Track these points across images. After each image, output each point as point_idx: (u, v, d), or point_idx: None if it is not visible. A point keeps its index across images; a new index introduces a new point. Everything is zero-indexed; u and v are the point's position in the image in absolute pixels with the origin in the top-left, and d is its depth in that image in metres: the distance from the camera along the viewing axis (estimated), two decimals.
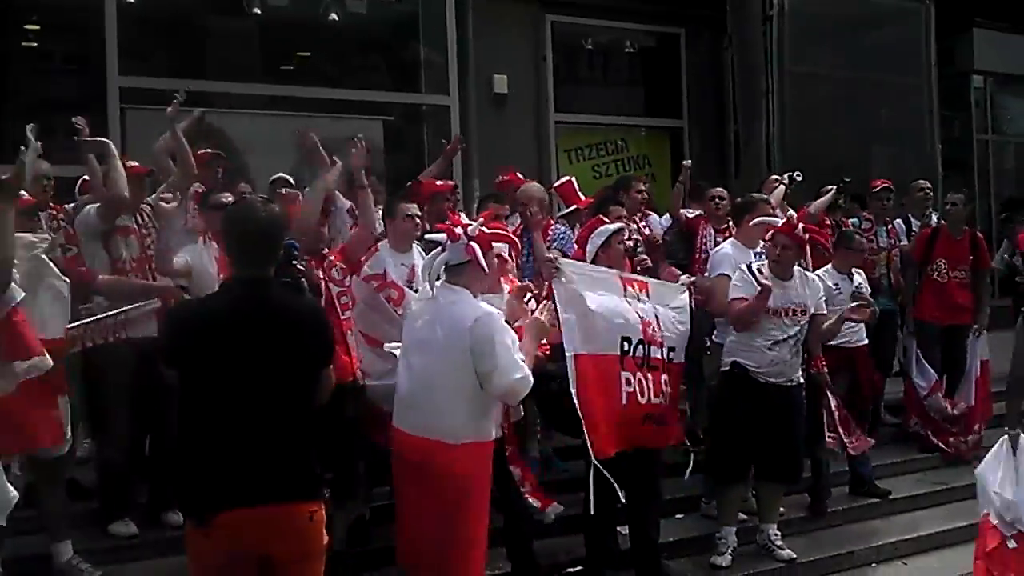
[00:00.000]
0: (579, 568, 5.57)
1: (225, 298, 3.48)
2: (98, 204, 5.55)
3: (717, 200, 7.10)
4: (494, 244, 4.47)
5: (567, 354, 4.97)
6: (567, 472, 6.28)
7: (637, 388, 5.20)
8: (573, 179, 7.02)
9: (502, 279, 4.91)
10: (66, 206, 5.96)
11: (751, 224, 6.23)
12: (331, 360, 3.55)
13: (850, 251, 6.85)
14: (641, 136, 11.48)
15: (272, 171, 7.27)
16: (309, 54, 9.89)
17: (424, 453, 4.18)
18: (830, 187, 7.41)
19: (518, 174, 7.02)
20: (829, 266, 6.75)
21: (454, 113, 9.81)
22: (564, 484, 5.96)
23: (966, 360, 7.92)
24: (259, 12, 9.17)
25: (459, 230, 4.30)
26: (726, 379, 5.86)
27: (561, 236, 6.42)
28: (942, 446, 7.81)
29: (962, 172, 13.03)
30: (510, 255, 5.31)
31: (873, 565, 6.26)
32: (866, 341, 6.87)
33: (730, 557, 5.91)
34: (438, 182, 6.64)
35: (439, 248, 4.36)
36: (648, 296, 5.46)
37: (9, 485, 3.99)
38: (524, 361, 4.16)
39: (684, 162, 7.66)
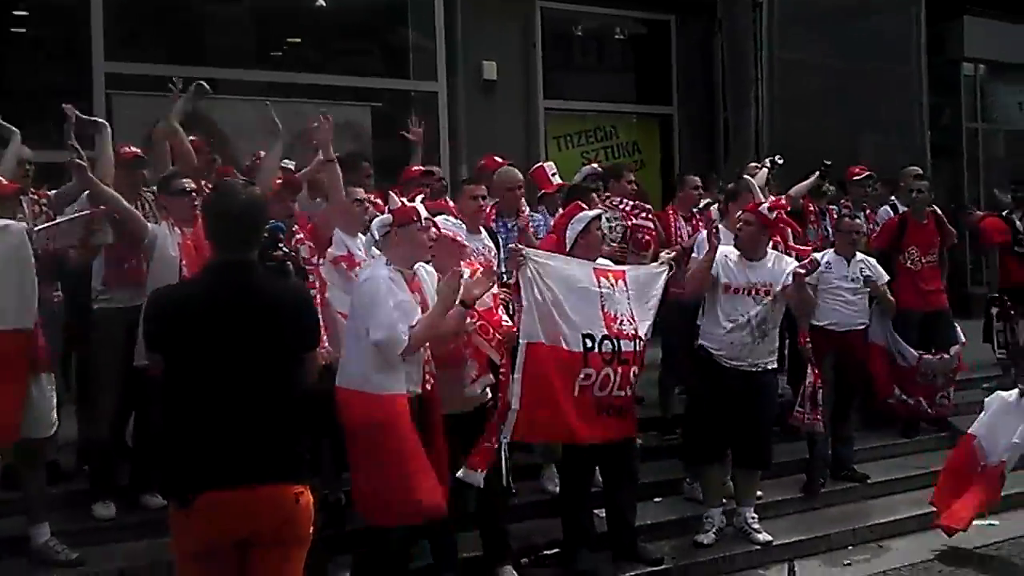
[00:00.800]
0: (556, 551, 5.62)
1: (206, 281, 3.49)
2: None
3: (690, 189, 7.27)
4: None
5: (520, 341, 5.09)
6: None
7: (599, 382, 5.27)
8: (546, 165, 7.04)
9: (463, 262, 4.97)
10: (48, 192, 5.98)
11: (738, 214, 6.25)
12: (316, 343, 3.55)
13: (839, 232, 6.98)
14: (631, 123, 11.51)
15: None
16: (298, 40, 9.89)
17: (344, 404, 4.50)
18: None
19: (496, 158, 7.05)
20: (831, 250, 6.91)
21: (442, 99, 9.83)
22: (532, 468, 6.06)
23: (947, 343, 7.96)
24: None
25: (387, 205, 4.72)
26: (694, 362, 5.91)
27: (537, 224, 6.47)
28: (928, 409, 7.81)
29: (951, 160, 13.05)
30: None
31: (849, 547, 6.29)
32: (861, 324, 6.90)
33: (713, 536, 5.97)
34: (414, 168, 6.73)
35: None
36: (626, 285, 5.50)
37: None
38: (412, 324, 4.42)
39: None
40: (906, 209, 8.06)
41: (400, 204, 4.68)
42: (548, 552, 5.63)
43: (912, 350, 7.67)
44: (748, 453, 5.96)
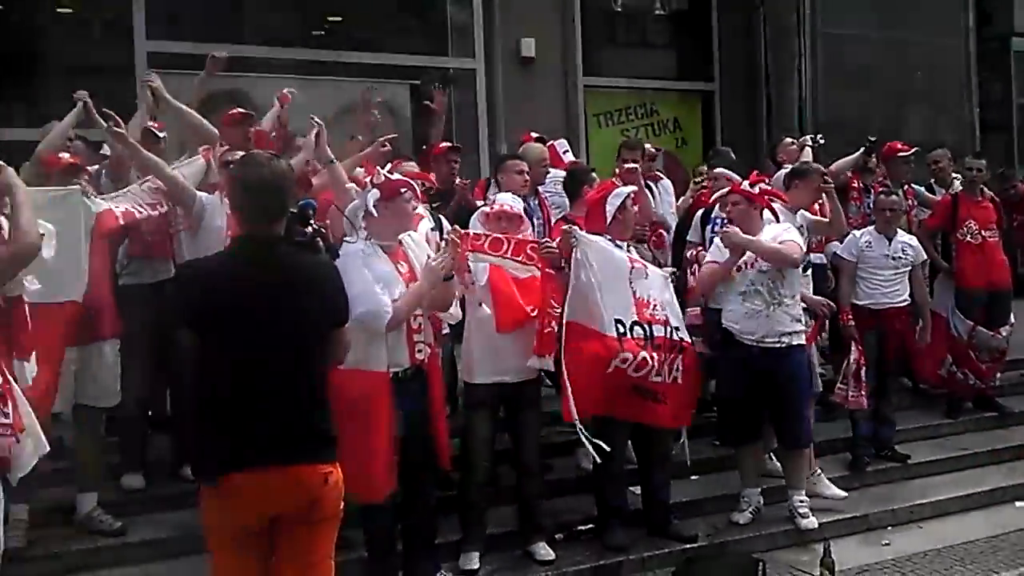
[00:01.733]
0: (590, 526, 5.64)
1: (232, 256, 3.45)
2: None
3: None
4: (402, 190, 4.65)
5: (564, 320, 5.11)
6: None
7: (634, 365, 5.25)
8: (558, 142, 7.03)
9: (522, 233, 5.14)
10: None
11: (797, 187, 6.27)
12: (344, 319, 3.49)
13: (877, 210, 6.92)
14: (672, 100, 11.36)
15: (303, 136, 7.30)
16: (338, 19, 9.90)
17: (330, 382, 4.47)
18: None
19: (532, 135, 7.04)
20: (871, 227, 6.84)
21: (480, 77, 9.80)
22: (568, 445, 6.08)
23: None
24: None
25: (368, 180, 4.60)
26: (721, 344, 5.87)
27: (557, 205, 6.48)
28: (974, 383, 7.76)
29: (1001, 136, 12.77)
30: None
31: (888, 528, 6.24)
32: (902, 302, 6.79)
33: (749, 515, 5.96)
34: (442, 144, 6.71)
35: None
36: (647, 275, 5.51)
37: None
38: (396, 300, 4.38)
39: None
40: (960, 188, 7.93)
41: (385, 178, 4.63)
42: (582, 528, 5.66)
43: (967, 321, 7.56)
44: (783, 432, 5.92)
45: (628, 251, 5.54)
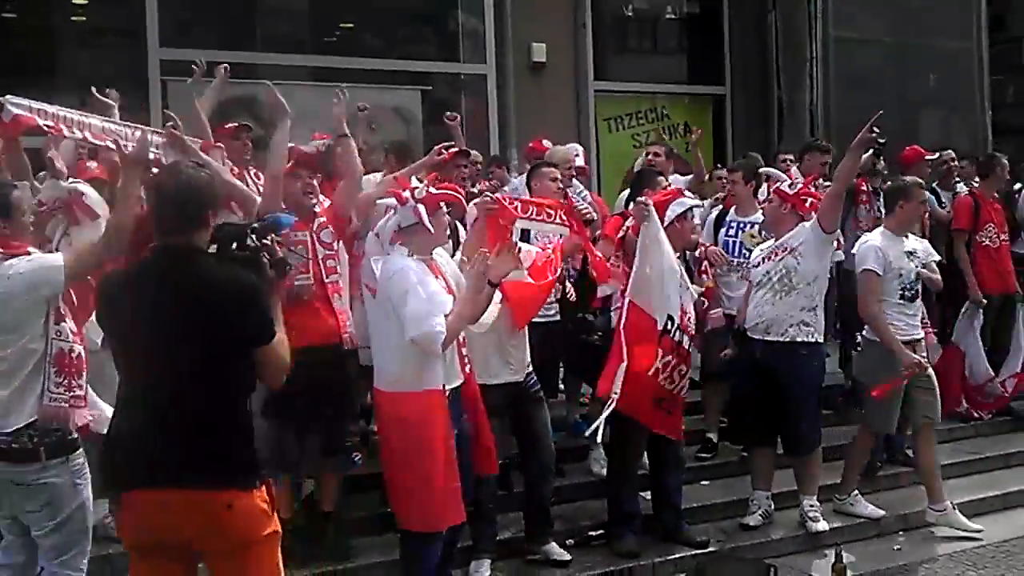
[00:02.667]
0: (601, 532, 5.65)
1: (145, 267, 3.25)
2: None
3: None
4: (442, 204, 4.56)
5: (626, 297, 5.23)
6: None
7: (661, 367, 5.29)
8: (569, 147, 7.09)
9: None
10: None
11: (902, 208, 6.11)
12: (265, 338, 3.17)
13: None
14: (683, 104, 11.38)
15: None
16: (349, 25, 9.97)
17: (379, 403, 4.46)
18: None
19: (543, 141, 7.09)
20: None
21: (491, 82, 9.84)
22: (579, 450, 6.12)
23: (1012, 329, 7.81)
24: None
25: (406, 194, 4.43)
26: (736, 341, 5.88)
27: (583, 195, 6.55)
28: (975, 413, 7.78)
29: (1015, 140, 12.73)
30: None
31: (900, 533, 6.22)
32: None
33: (760, 518, 5.95)
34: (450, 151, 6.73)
35: (391, 211, 4.50)
36: (687, 287, 5.59)
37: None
38: (448, 315, 4.23)
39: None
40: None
41: (428, 192, 4.50)
42: (594, 533, 5.65)
43: (985, 368, 7.59)
44: (785, 435, 5.89)
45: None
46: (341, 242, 5.15)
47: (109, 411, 3.53)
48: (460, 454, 4.46)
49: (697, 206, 5.72)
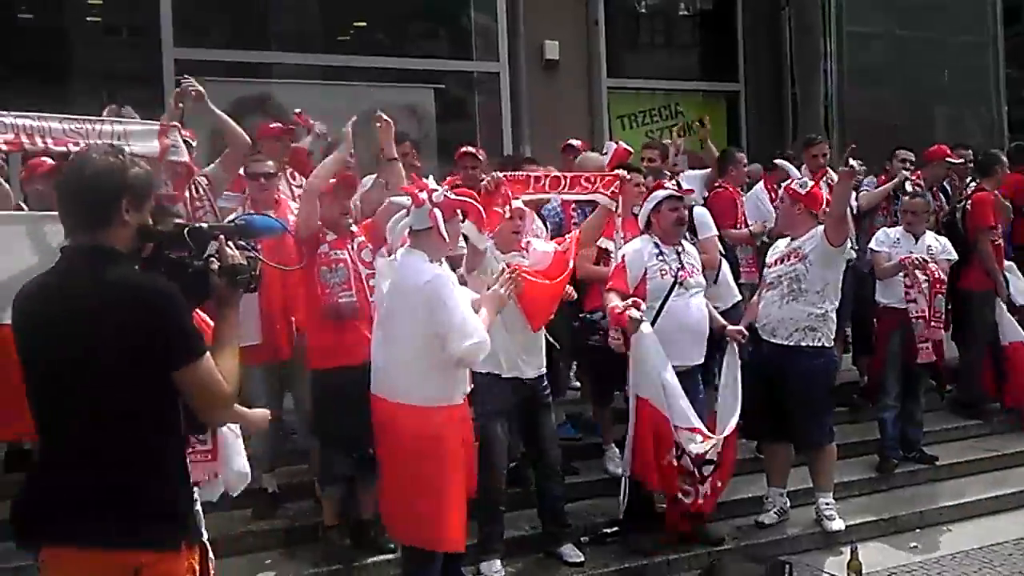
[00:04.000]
0: (616, 529, 5.65)
1: (53, 272, 2.66)
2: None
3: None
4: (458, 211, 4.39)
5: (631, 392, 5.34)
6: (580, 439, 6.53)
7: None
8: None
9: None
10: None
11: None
12: (182, 361, 2.55)
13: (904, 211, 6.91)
14: (697, 100, 11.34)
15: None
16: (362, 24, 9.97)
17: (393, 417, 4.24)
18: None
19: (572, 142, 7.19)
20: (900, 227, 6.84)
21: (504, 80, 9.83)
22: (593, 448, 6.12)
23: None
24: None
25: (423, 195, 4.24)
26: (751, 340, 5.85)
27: (554, 214, 6.54)
28: None
29: None
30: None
31: (916, 530, 6.21)
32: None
33: (775, 516, 5.95)
34: (461, 150, 6.77)
35: (403, 211, 4.37)
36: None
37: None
38: (481, 327, 4.14)
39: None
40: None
41: (445, 197, 4.30)
42: (608, 531, 5.65)
43: None
44: (795, 433, 5.86)
45: (678, 251, 5.60)
46: None
47: None
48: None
49: (676, 195, 5.62)
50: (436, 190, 4.31)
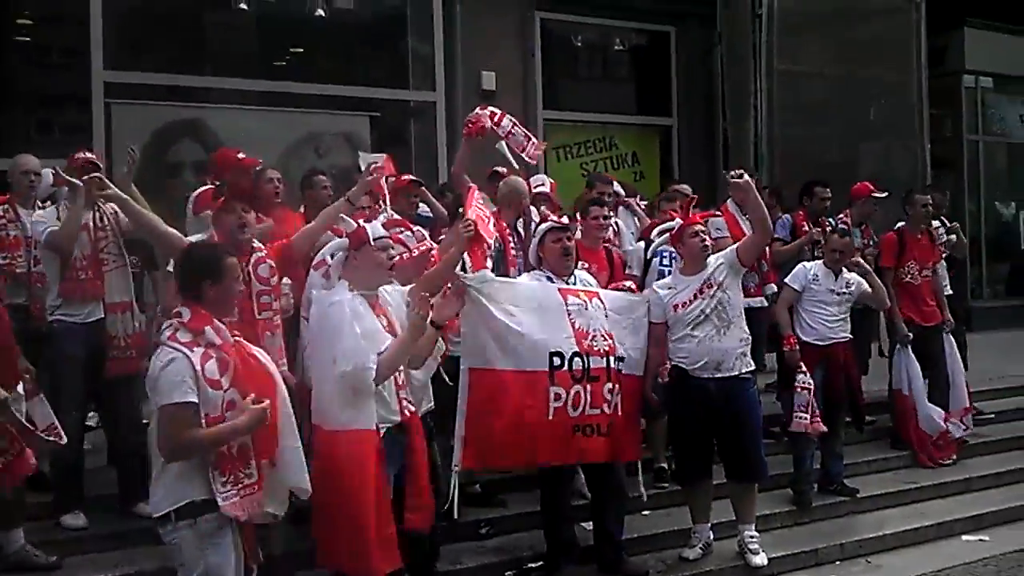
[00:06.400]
0: (540, 563, 5.65)
1: None
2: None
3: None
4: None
5: (462, 367, 5.14)
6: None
7: (570, 402, 5.26)
8: (534, 178, 7.15)
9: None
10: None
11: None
12: None
13: (828, 249, 6.97)
14: (631, 134, 11.51)
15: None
16: (299, 50, 9.96)
17: (315, 440, 4.32)
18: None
19: (499, 168, 7.16)
20: (820, 262, 6.97)
21: (440, 109, 9.87)
22: (521, 480, 6.10)
23: (942, 359, 7.97)
24: (245, 7, 9.26)
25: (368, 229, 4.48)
26: (670, 383, 5.75)
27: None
28: (927, 461, 7.78)
29: (952, 172, 13.06)
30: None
31: (837, 562, 6.29)
32: (844, 338, 6.86)
33: (700, 551, 5.96)
34: (402, 177, 6.71)
35: (342, 244, 4.57)
36: (601, 303, 5.53)
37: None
38: (380, 353, 4.19)
39: None
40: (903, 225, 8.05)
41: (355, 226, 4.57)
42: (533, 565, 5.64)
43: (937, 418, 7.69)
44: (738, 466, 5.89)
45: (568, 281, 5.54)
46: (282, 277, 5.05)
47: None
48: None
49: (557, 226, 5.60)
50: (367, 225, 4.52)
